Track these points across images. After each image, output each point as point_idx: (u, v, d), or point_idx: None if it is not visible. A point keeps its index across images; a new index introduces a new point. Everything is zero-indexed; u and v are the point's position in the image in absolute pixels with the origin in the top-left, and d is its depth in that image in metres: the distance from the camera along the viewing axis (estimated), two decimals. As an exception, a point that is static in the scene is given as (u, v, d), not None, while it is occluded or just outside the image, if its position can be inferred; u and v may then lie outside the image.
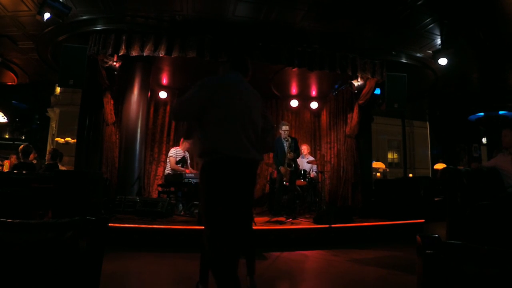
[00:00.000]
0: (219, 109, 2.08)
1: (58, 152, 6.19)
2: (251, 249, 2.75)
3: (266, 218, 5.73)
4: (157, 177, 8.05)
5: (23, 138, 22.37)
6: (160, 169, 8.07)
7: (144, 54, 5.57)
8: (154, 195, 7.60)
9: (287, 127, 6.00)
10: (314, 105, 9.08)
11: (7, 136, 22.79)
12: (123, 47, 5.51)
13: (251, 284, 2.68)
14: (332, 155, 8.42)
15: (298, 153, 6.02)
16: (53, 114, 19.32)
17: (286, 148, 5.81)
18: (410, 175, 19.03)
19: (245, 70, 2.35)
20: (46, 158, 6.11)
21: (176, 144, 7.57)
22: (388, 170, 19.12)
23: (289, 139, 5.83)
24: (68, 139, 15.24)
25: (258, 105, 2.28)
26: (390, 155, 22.34)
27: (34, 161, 6.46)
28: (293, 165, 5.75)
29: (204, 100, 2.09)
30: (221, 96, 2.10)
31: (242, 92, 2.22)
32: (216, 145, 2.05)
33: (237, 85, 2.23)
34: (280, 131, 6.05)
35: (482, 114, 10.43)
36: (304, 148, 7.50)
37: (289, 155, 5.68)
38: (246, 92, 2.25)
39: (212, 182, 2.06)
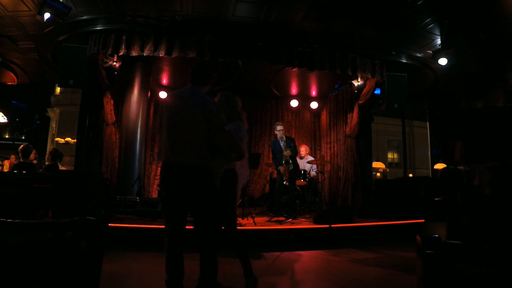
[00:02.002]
0: (162, 125, 2.44)
1: (58, 152, 6.18)
2: (238, 250, 2.75)
3: (266, 218, 5.73)
4: (157, 177, 8.04)
5: (23, 138, 22.37)
6: (160, 169, 8.06)
7: (144, 54, 5.57)
8: (154, 195, 7.60)
9: (281, 126, 6.01)
10: (314, 105, 9.08)
11: (7, 136, 22.79)
12: (123, 47, 5.51)
13: (247, 285, 2.66)
14: (332, 155, 8.42)
15: (295, 151, 6.03)
16: (53, 114, 19.32)
17: (283, 147, 5.82)
18: (410, 175, 19.03)
19: (199, 80, 2.52)
20: (46, 158, 6.10)
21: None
22: (388, 170, 19.10)
23: (284, 138, 5.84)
24: (68, 139, 15.24)
25: (197, 111, 2.37)
26: (390, 155, 22.33)
27: (34, 161, 6.46)
28: (291, 162, 5.75)
29: (158, 123, 2.49)
30: (163, 113, 2.45)
31: (179, 104, 2.43)
32: (159, 153, 2.48)
33: (176, 99, 2.48)
34: (276, 132, 6.06)
35: (482, 114, 10.41)
36: (303, 150, 7.49)
37: (286, 153, 5.69)
38: (184, 103, 2.42)
39: (160, 183, 2.52)
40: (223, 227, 2.77)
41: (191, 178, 2.34)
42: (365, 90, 6.94)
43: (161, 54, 5.57)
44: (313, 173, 7.17)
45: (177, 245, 2.41)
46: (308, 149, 7.72)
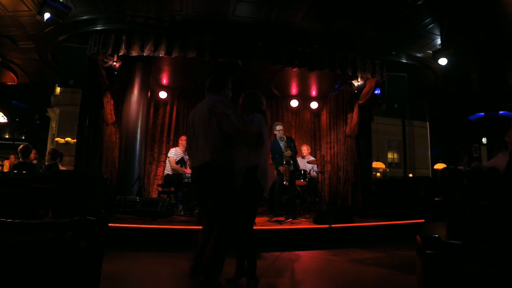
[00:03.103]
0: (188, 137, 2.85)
1: (58, 152, 6.19)
2: (250, 250, 2.72)
3: (266, 218, 5.73)
4: (157, 177, 8.04)
5: (23, 138, 22.34)
6: (160, 169, 8.07)
7: (144, 54, 5.57)
8: (154, 195, 7.60)
9: (281, 126, 6.02)
10: (314, 105, 9.07)
11: (7, 136, 22.76)
12: (123, 47, 5.50)
13: (248, 286, 2.64)
14: (332, 155, 8.42)
15: (296, 151, 6.03)
16: (53, 114, 19.32)
17: (282, 147, 5.82)
18: (410, 175, 19.02)
19: (213, 89, 2.80)
20: (46, 158, 6.10)
21: (176, 144, 7.57)
22: (388, 170, 19.10)
23: (285, 138, 5.84)
24: (68, 139, 15.23)
25: (204, 111, 2.63)
26: (390, 155, 22.32)
27: (34, 161, 6.46)
28: (292, 162, 5.74)
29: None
30: (188, 127, 2.81)
31: (195, 110, 2.76)
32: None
33: (195, 109, 2.78)
34: (275, 132, 6.06)
35: (482, 114, 10.44)
36: (305, 149, 7.51)
37: (286, 153, 5.69)
38: (198, 109, 2.74)
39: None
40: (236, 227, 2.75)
41: (204, 175, 2.57)
42: (365, 90, 6.93)
43: (161, 54, 5.56)
44: (313, 173, 7.16)
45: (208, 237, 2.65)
46: (309, 148, 7.73)
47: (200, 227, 2.82)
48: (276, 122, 6.29)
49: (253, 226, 2.78)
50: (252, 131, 2.59)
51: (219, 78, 2.85)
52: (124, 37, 5.54)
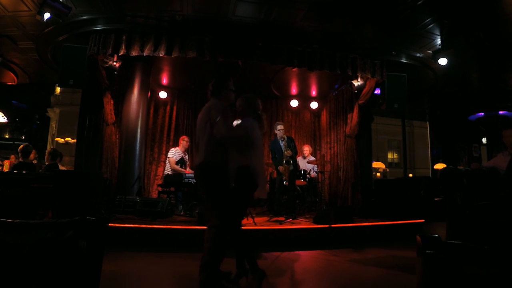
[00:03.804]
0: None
1: (57, 152, 6.18)
2: (242, 251, 2.75)
3: (266, 218, 5.73)
4: (157, 177, 8.04)
5: (23, 138, 22.35)
6: (160, 169, 8.07)
7: (144, 54, 5.57)
8: (154, 195, 7.60)
9: (281, 126, 6.03)
10: (314, 105, 9.07)
11: (7, 136, 22.78)
12: (123, 47, 5.50)
13: (256, 278, 2.65)
14: (332, 155, 8.42)
15: (295, 151, 6.03)
16: (53, 114, 19.33)
17: (283, 147, 5.82)
18: (410, 175, 19.02)
19: (214, 92, 2.94)
20: (45, 158, 6.10)
21: (176, 144, 7.57)
22: (388, 170, 19.09)
23: (285, 138, 5.84)
24: (68, 139, 15.21)
25: (204, 115, 2.82)
26: (390, 155, 22.32)
27: (34, 161, 6.46)
28: (291, 162, 5.74)
29: None
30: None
31: (199, 116, 2.93)
32: None
33: (199, 114, 2.94)
34: (276, 131, 6.06)
35: (482, 114, 10.44)
36: (306, 149, 7.52)
37: (287, 153, 5.69)
38: (200, 114, 2.92)
39: None
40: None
41: (199, 174, 2.82)
42: (365, 90, 6.93)
43: (161, 54, 5.56)
44: (313, 173, 7.16)
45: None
46: (311, 149, 7.74)
47: (201, 227, 2.84)
48: (277, 122, 6.30)
49: (240, 224, 2.86)
50: (235, 135, 2.78)
51: (220, 81, 2.98)
52: (124, 37, 5.54)
